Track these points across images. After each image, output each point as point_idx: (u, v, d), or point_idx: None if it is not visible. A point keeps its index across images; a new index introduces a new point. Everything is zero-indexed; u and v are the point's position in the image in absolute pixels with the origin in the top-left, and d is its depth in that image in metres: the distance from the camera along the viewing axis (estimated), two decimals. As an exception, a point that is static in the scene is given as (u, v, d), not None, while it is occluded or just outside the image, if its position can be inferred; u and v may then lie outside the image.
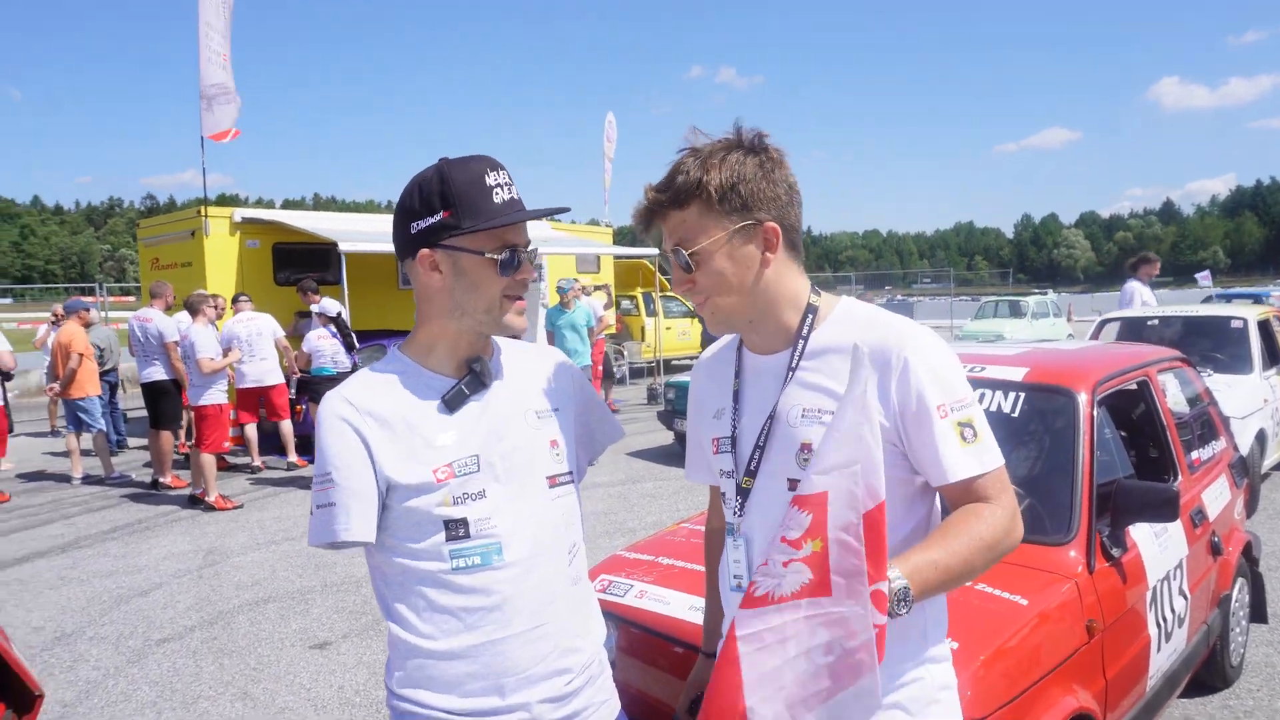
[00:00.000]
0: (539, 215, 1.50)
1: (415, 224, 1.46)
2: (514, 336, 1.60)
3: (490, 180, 1.44)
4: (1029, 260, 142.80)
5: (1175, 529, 2.93)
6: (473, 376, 1.49)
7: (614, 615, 2.62)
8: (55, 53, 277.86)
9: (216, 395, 7.52)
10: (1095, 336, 7.70)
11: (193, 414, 7.68)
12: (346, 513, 1.41)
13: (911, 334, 1.37)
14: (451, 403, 1.46)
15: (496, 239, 1.44)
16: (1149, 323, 7.59)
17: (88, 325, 9.81)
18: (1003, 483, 1.36)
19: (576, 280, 11.97)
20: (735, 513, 1.49)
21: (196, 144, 10.92)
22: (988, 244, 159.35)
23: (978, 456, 1.33)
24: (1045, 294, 24.39)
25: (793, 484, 1.36)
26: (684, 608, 2.46)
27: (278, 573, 5.79)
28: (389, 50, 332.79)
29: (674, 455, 9.22)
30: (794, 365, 1.42)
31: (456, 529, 1.42)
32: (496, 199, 1.44)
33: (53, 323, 10.96)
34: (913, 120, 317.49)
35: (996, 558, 1.31)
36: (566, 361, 1.72)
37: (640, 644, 2.55)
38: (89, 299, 14.08)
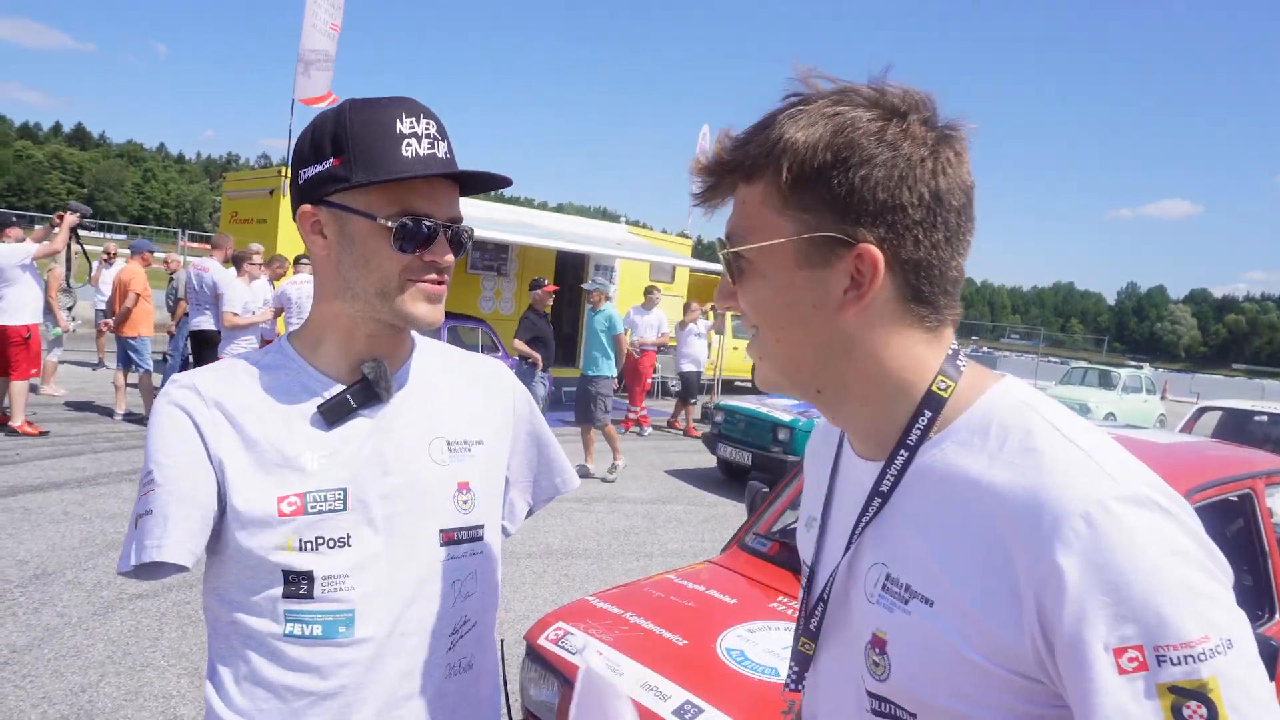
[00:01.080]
0: (470, 182, 1.14)
1: (303, 172, 1.12)
2: (426, 331, 1.23)
3: (403, 127, 1.08)
4: (1128, 330, 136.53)
5: (1263, 682, 2.37)
6: (363, 384, 1.13)
7: (559, 674, 2.24)
8: (199, 11, 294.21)
9: (240, 350, 7.47)
10: (1189, 427, 6.95)
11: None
12: (163, 524, 1.05)
13: (1092, 495, 0.71)
14: (329, 414, 1.12)
15: (395, 201, 1.08)
16: (1256, 418, 6.78)
17: (173, 272, 9.99)
18: None
19: (662, 284, 11.60)
20: (790, 683, 0.98)
21: (312, 110, 11.10)
22: (1086, 308, 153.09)
23: None
24: (1141, 368, 22.90)
25: (869, 697, 0.84)
26: (636, 684, 2.06)
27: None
28: (488, 42, 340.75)
29: (712, 481, 8.78)
30: (885, 491, 0.85)
31: (298, 584, 1.08)
32: (406, 151, 1.07)
33: (105, 260, 11.15)
34: (1025, 173, 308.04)
35: None
36: (509, 379, 1.35)
37: (582, 715, 2.16)
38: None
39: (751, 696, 2.00)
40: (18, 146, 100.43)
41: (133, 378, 8.94)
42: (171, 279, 10.62)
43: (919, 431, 0.83)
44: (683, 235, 18.57)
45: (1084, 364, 23.16)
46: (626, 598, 2.56)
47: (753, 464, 8.15)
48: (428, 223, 1.09)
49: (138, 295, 8.64)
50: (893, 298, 0.81)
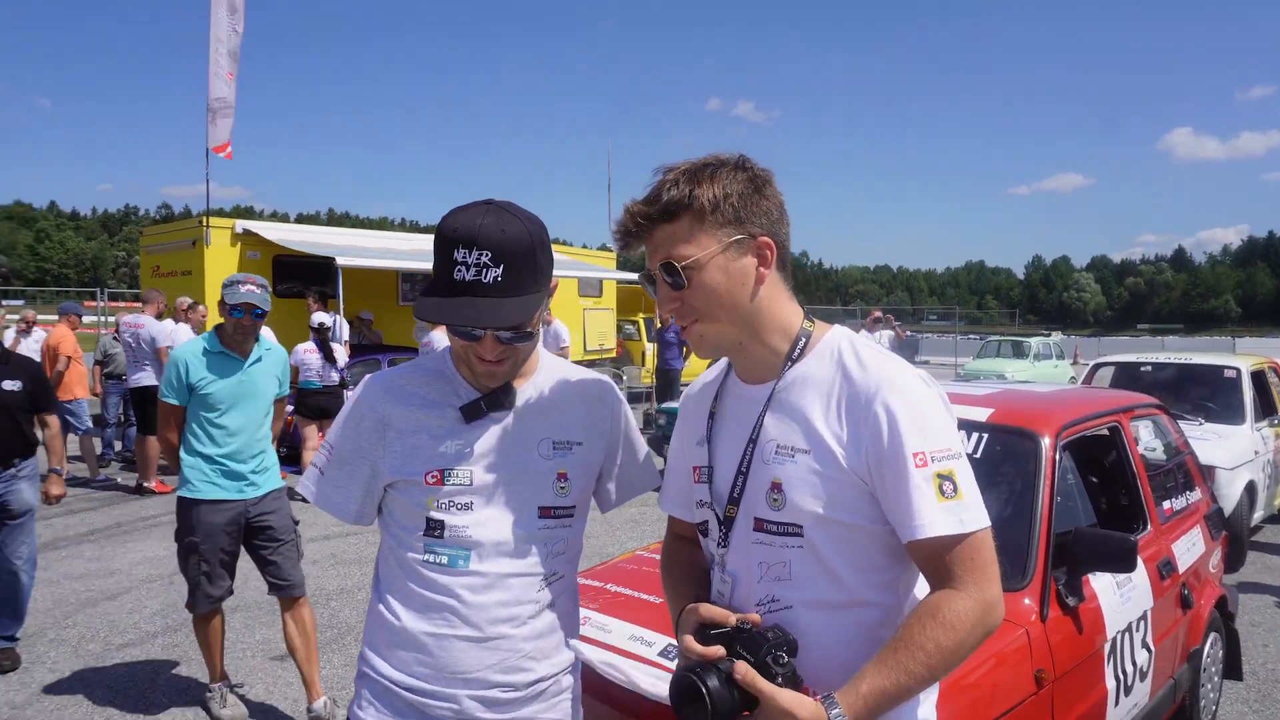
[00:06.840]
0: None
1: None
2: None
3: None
4: (1039, 301, 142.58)
5: (1140, 579, 2.86)
6: (492, 395, 1.52)
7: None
8: (83, 64, 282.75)
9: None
10: (1088, 381, 7.65)
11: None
12: (332, 484, 1.57)
13: (893, 375, 1.27)
14: (466, 412, 1.51)
15: None
16: (1142, 368, 7.54)
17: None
18: (981, 557, 1.22)
19: (592, 298, 11.87)
20: (719, 544, 1.41)
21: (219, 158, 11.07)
22: (998, 284, 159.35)
23: (955, 514, 1.20)
24: (1049, 335, 24.34)
25: (759, 524, 1.33)
26: (624, 637, 2.40)
27: (250, 581, 5.67)
28: (408, 73, 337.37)
29: (662, 482, 9.15)
30: (777, 391, 1.35)
31: (434, 529, 1.50)
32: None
33: (22, 329, 10.45)
34: (927, 159, 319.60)
35: (967, 655, 1.22)
36: (610, 397, 1.69)
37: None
38: (90, 304, 13.88)
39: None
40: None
41: (73, 441, 8.85)
42: (100, 340, 10.37)
43: (799, 352, 1.35)
44: (604, 249, 18.99)
45: (998, 338, 24.43)
46: (604, 573, 2.90)
47: (699, 460, 8.56)
48: None
49: (69, 358, 8.58)
50: (777, 268, 1.33)
